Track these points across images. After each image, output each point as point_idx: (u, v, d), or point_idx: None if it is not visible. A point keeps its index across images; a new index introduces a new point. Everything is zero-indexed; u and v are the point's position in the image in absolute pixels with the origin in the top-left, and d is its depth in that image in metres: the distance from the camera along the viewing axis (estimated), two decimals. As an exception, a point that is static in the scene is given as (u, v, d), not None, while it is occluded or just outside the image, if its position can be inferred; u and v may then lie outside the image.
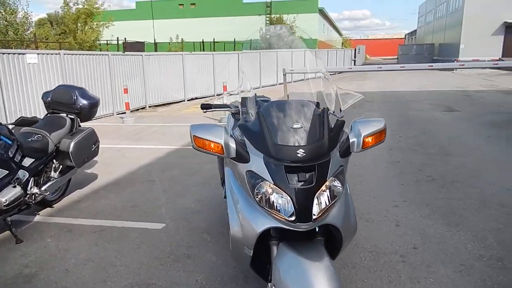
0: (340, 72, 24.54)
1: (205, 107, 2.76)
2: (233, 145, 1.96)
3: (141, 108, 12.33)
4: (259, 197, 1.86)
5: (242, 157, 1.96)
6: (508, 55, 27.16)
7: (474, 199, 4.08)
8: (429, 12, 44.87)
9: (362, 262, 2.95)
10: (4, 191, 3.32)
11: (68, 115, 4.34)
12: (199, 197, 4.43)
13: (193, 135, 2.00)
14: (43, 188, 3.84)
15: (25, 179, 3.60)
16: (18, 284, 2.83)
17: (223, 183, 3.30)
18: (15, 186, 3.43)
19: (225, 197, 2.89)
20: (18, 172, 3.54)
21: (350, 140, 2.02)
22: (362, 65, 34.29)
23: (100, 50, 19.07)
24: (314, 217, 1.82)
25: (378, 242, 3.23)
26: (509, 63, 13.92)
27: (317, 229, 2.01)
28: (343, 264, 2.90)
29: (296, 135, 1.91)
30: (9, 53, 8.29)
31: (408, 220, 3.64)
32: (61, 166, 4.19)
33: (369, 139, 2.04)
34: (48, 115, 4.40)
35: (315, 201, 1.82)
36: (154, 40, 24.26)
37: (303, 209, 1.80)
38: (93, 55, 10.82)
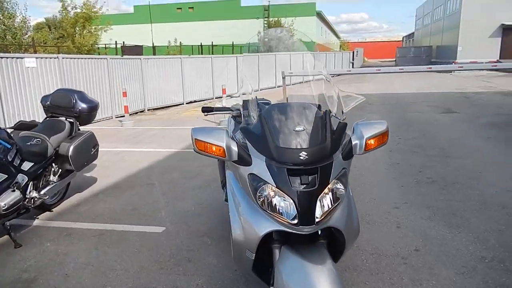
0: (339, 75, 24.58)
1: (206, 110, 2.75)
2: (235, 148, 1.95)
3: (140, 112, 12.32)
4: (261, 200, 1.85)
5: (244, 160, 1.95)
6: (506, 57, 27.25)
7: (475, 201, 4.07)
8: (426, 15, 45.02)
9: (364, 264, 2.94)
10: (3, 195, 3.30)
11: (67, 119, 4.32)
12: (199, 200, 4.41)
13: (195, 138, 1.98)
14: (42, 192, 3.82)
15: (24, 183, 3.58)
16: (17, 289, 2.81)
17: (223, 186, 3.28)
18: (14, 190, 3.41)
19: (225, 200, 2.88)
20: (17, 176, 3.52)
21: (353, 143, 2.01)
22: (361, 67, 34.37)
23: (99, 54, 19.05)
24: (317, 220, 1.80)
25: (380, 244, 3.22)
26: (507, 65, 13.96)
27: (319, 232, 1.99)
28: (345, 267, 2.88)
29: (298, 137, 1.90)
30: (7, 57, 8.28)
31: (409, 222, 3.63)
32: (60, 170, 4.17)
33: (372, 141, 2.03)
34: (47, 119, 4.38)
35: (318, 204, 1.81)
36: (153, 44, 24.28)
37: (305, 212, 1.79)
38: (92, 58, 10.82)
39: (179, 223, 3.80)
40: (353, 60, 37.32)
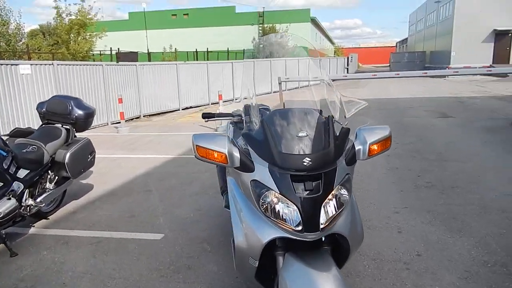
0: (334, 80, 24.60)
1: (207, 116, 2.71)
2: (237, 154, 1.92)
3: (136, 118, 12.27)
4: (264, 206, 1.82)
5: (246, 166, 1.92)
6: (498, 61, 27.51)
7: (475, 205, 4.06)
8: (419, 21, 45.40)
9: (366, 270, 2.91)
10: (-1, 203, 3.24)
11: (64, 126, 4.27)
12: (197, 206, 4.37)
13: (196, 145, 1.95)
14: (38, 200, 3.76)
15: (20, 191, 3.52)
16: (14, 299, 2.75)
17: (222, 192, 3.25)
18: (9, 198, 3.36)
19: (225, 206, 2.85)
20: (13, 184, 3.46)
21: (356, 148, 1.99)
22: (355, 73, 34.56)
23: (94, 61, 19.00)
24: (321, 226, 1.78)
25: (381, 249, 3.19)
26: (502, 69, 14.08)
27: (323, 239, 1.96)
28: (347, 273, 2.85)
29: (301, 143, 1.88)
30: (2, 64, 8.21)
31: (410, 227, 3.61)
32: (56, 177, 4.11)
33: (375, 147, 2.01)
34: (43, 125, 4.33)
35: (322, 210, 1.78)
36: (148, 50, 24.24)
37: (310, 219, 1.76)
38: (87, 65, 10.78)
39: (177, 230, 3.75)
40: (347, 65, 37.52)
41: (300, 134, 1.91)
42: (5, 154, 3.42)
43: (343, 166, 1.91)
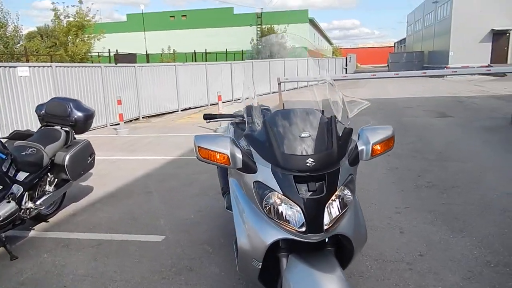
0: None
1: (208, 117, 2.70)
2: (239, 155, 1.91)
3: (135, 119, 12.24)
4: (267, 208, 1.80)
5: (249, 167, 1.91)
6: (496, 61, 27.54)
7: (476, 204, 4.05)
8: (417, 21, 45.45)
9: (369, 270, 2.89)
10: (-2, 207, 3.22)
11: (63, 128, 4.25)
12: (198, 207, 4.35)
13: (198, 146, 1.94)
14: (38, 203, 3.74)
15: (19, 194, 3.50)
16: (14, 302, 2.73)
17: (223, 193, 3.23)
18: (9, 201, 3.33)
19: (227, 208, 2.83)
20: (12, 187, 3.44)
21: (359, 148, 1.98)
22: (354, 73, 34.60)
23: (92, 62, 18.97)
24: (325, 227, 1.77)
25: (384, 249, 3.18)
26: (501, 69, 14.10)
27: (326, 240, 1.95)
28: (350, 274, 2.83)
29: (304, 144, 1.87)
30: (0, 66, 8.18)
31: (412, 227, 3.60)
32: (56, 180, 4.09)
33: (378, 147, 2.00)
34: (42, 128, 4.31)
35: (326, 211, 1.77)
36: (146, 52, 24.26)
37: (313, 220, 1.75)
38: (86, 67, 10.76)
39: (179, 232, 3.73)
40: (346, 66, 37.58)
41: (302, 135, 1.90)
42: (4, 157, 3.40)
43: (346, 167, 1.90)
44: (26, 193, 3.63)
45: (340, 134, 1.96)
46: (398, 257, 3.07)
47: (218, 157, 1.91)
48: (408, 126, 8.84)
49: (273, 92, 17.32)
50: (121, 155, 7.22)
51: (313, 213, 1.75)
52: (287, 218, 1.77)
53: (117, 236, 3.70)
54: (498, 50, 28.89)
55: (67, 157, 3.97)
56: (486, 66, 16.35)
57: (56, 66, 9.58)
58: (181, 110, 14.25)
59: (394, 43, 75.98)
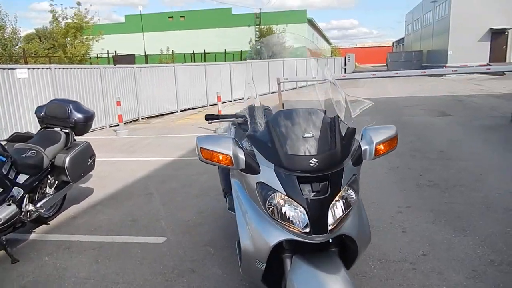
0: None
1: (210, 118, 2.68)
2: (242, 156, 1.89)
3: (134, 120, 12.22)
4: (271, 209, 1.79)
5: (251, 168, 1.89)
6: (494, 60, 27.57)
7: (478, 203, 4.04)
8: (416, 20, 45.47)
9: (372, 271, 2.88)
10: (-1, 210, 3.20)
11: (63, 130, 4.23)
12: (198, 209, 4.33)
13: (200, 147, 1.92)
14: (38, 205, 3.72)
15: (19, 197, 3.49)
16: (16, 306, 2.71)
17: (225, 194, 3.21)
18: (9, 204, 3.31)
19: (229, 209, 2.81)
20: (13, 190, 3.42)
21: (362, 148, 1.97)
22: (353, 72, 34.60)
23: (91, 64, 18.95)
24: (329, 228, 1.75)
25: (387, 249, 3.17)
26: (500, 67, 14.11)
27: (330, 240, 1.94)
28: (353, 274, 2.81)
29: (307, 144, 1.85)
30: (-1, 68, 8.16)
31: (414, 226, 3.58)
32: (56, 182, 4.07)
33: (381, 147, 1.99)
34: (42, 130, 4.28)
35: (330, 211, 1.76)
36: (145, 53, 24.23)
37: (318, 220, 1.74)
38: (85, 68, 10.73)
39: (180, 233, 3.72)
40: (345, 65, 37.58)
41: (306, 135, 1.88)
42: (4, 159, 3.38)
43: (350, 167, 1.88)
44: (27, 196, 3.61)
45: (343, 134, 1.95)
46: (401, 256, 3.06)
47: (220, 158, 1.90)
48: (407, 125, 8.83)
49: (272, 92, 17.30)
50: (121, 157, 7.20)
51: (317, 214, 1.74)
52: (291, 219, 1.76)
53: (118, 238, 3.68)
54: (496, 49, 28.92)
55: (68, 159, 3.95)
56: (485, 65, 16.35)
57: (55, 68, 9.56)
58: (181, 111, 14.24)
59: (393, 43, 76.00)
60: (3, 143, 3.68)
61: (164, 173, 5.91)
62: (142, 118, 12.54)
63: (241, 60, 25.56)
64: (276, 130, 1.92)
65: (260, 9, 39.23)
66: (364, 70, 45.55)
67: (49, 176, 3.99)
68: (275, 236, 1.84)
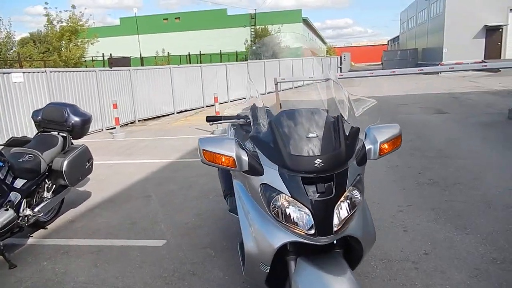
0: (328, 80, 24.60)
1: (211, 119, 2.65)
2: (245, 157, 1.87)
3: (130, 123, 12.17)
4: (275, 211, 1.76)
5: (255, 169, 1.87)
6: (489, 57, 27.67)
7: (479, 201, 4.04)
8: (410, 19, 45.60)
9: (375, 271, 2.86)
10: (-4, 215, 3.16)
11: (60, 133, 4.20)
12: (198, 211, 4.30)
13: (202, 149, 1.90)
14: (36, 209, 3.68)
15: (17, 201, 3.45)
16: (15, 313, 2.67)
17: (225, 196, 3.19)
18: (7, 209, 3.28)
19: (230, 210, 2.78)
20: (10, 194, 3.39)
21: (366, 148, 1.95)
22: (348, 71, 34.62)
23: (86, 67, 18.86)
24: (334, 229, 1.73)
25: (388, 249, 3.15)
26: (496, 64, 14.14)
27: (335, 241, 1.91)
28: (356, 275, 2.78)
29: (311, 144, 1.83)
30: (-7, 72, 8.09)
31: (415, 225, 3.57)
32: (54, 186, 4.04)
33: (386, 146, 1.98)
34: (39, 134, 4.25)
35: (335, 212, 1.74)
36: (140, 55, 24.15)
37: (323, 222, 1.72)
38: (80, 71, 10.67)
39: (180, 236, 3.69)
40: (341, 64, 37.61)
41: (309, 135, 1.86)
42: (1, 164, 3.34)
43: (354, 167, 1.86)
44: (24, 200, 3.58)
45: (347, 134, 1.93)
46: (403, 256, 3.04)
47: (223, 160, 1.87)
48: (405, 124, 8.82)
49: (269, 92, 17.26)
50: (118, 159, 7.15)
51: (322, 215, 1.72)
52: (296, 221, 1.73)
53: (117, 242, 3.64)
54: (491, 46, 29.03)
55: (65, 163, 3.92)
56: (480, 62, 16.39)
57: (51, 71, 9.49)
58: (177, 113, 14.19)
59: (388, 41, 76.15)
60: (0, 148, 3.65)
61: (161, 175, 5.87)
62: (138, 120, 12.49)
63: (237, 61, 25.53)
64: (279, 131, 1.90)
65: (255, 9, 39.13)
66: (359, 69, 45.61)
67: (46, 180, 3.95)
68: (280, 238, 1.81)
